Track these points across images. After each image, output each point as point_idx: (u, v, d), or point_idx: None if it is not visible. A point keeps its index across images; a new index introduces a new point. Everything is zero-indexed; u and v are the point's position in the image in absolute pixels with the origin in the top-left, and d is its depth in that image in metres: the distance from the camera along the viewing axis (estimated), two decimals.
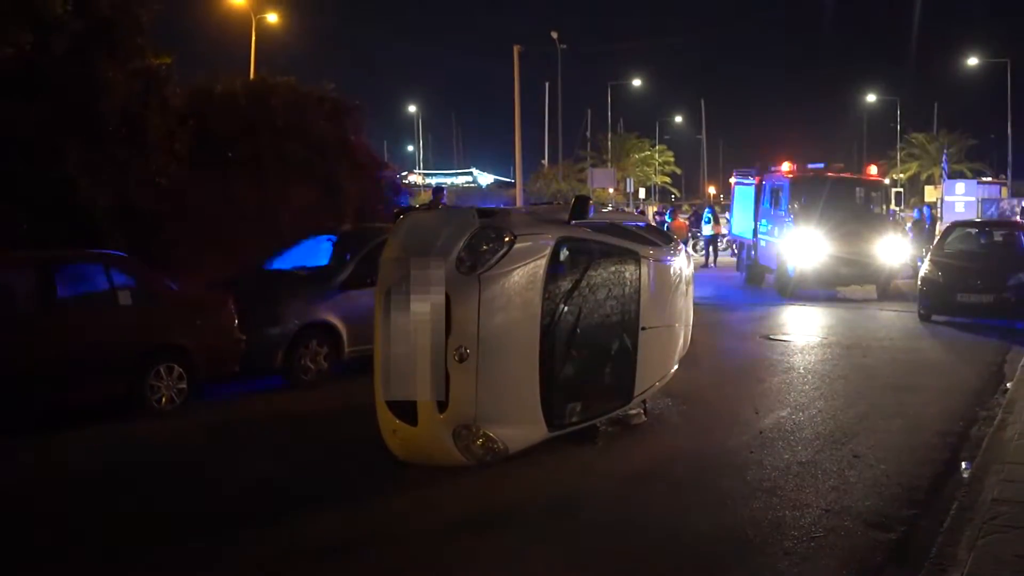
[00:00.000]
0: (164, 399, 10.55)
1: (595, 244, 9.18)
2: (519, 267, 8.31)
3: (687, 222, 38.59)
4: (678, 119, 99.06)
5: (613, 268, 9.18)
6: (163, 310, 10.84)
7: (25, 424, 9.69)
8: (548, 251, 8.55)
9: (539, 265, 8.44)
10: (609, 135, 79.60)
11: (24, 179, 14.85)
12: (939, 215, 38.90)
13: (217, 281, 13.29)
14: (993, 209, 45.17)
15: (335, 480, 8.21)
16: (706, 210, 36.69)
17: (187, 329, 10.91)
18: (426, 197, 58.67)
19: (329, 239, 14.36)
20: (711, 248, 33.74)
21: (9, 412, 9.56)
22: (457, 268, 8.15)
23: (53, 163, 15.18)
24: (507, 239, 8.35)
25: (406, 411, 8.19)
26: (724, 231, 34.64)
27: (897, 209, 25.63)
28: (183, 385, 10.72)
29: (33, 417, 9.80)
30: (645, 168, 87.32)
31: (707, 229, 34.13)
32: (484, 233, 8.41)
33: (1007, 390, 11.38)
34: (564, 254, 8.78)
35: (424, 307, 7.97)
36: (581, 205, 9.30)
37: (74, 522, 7.33)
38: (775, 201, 23.87)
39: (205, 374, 11.02)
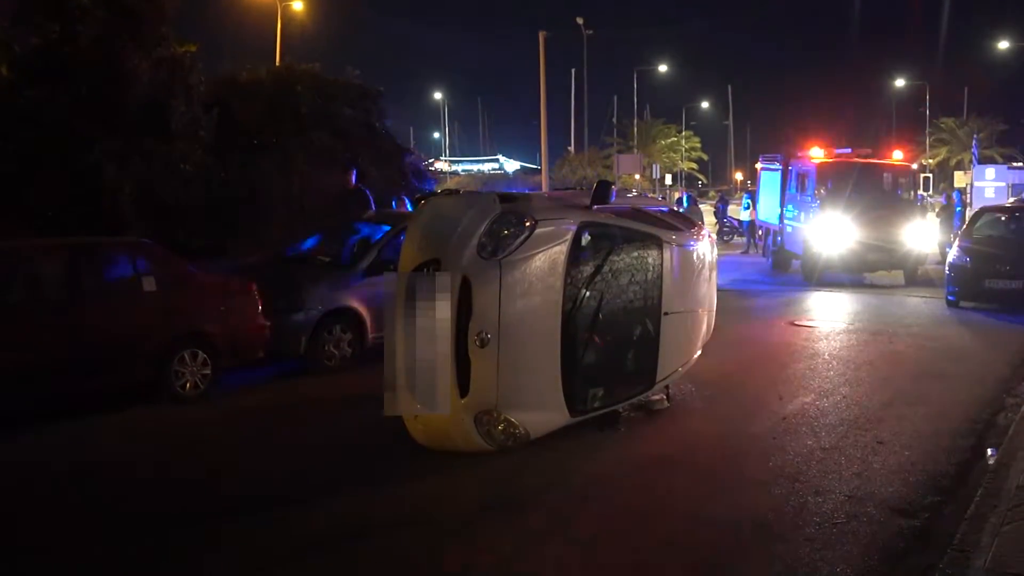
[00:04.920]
0: (188, 385, 10.59)
1: (617, 229, 9.13)
2: (540, 252, 8.29)
3: (714, 207, 38.36)
4: (704, 105, 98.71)
5: (635, 253, 9.14)
6: (187, 296, 10.86)
7: (49, 410, 9.76)
8: (570, 236, 8.52)
9: (561, 250, 8.42)
10: (635, 121, 79.30)
11: (50, 167, 14.98)
12: (969, 200, 38.49)
13: (241, 267, 13.35)
14: None
15: (356, 466, 8.22)
16: (744, 196, 36.39)
17: (211, 315, 10.95)
18: (453, 183, 58.81)
19: (353, 225, 14.39)
20: (750, 234, 32.82)
21: (34, 398, 9.64)
22: (478, 253, 8.13)
23: (78, 151, 15.31)
24: (528, 224, 8.33)
25: None
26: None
27: (926, 194, 25.38)
28: (207, 371, 10.76)
29: (57, 403, 9.87)
30: (671, 154, 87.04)
31: (745, 215, 33.62)
32: (505, 218, 8.38)
33: None
34: (586, 239, 8.75)
35: (433, 319, 7.90)
36: (603, 190, 9.26)
37: (94, 505, 7.37)
38: (801, 186, 23.73)
39: (229, 360, 11.04)
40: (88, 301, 10.01)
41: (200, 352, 10.71)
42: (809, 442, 8.75)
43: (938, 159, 79.83)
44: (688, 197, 36.61)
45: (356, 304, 12.33)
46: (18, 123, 15.10)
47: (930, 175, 43.26)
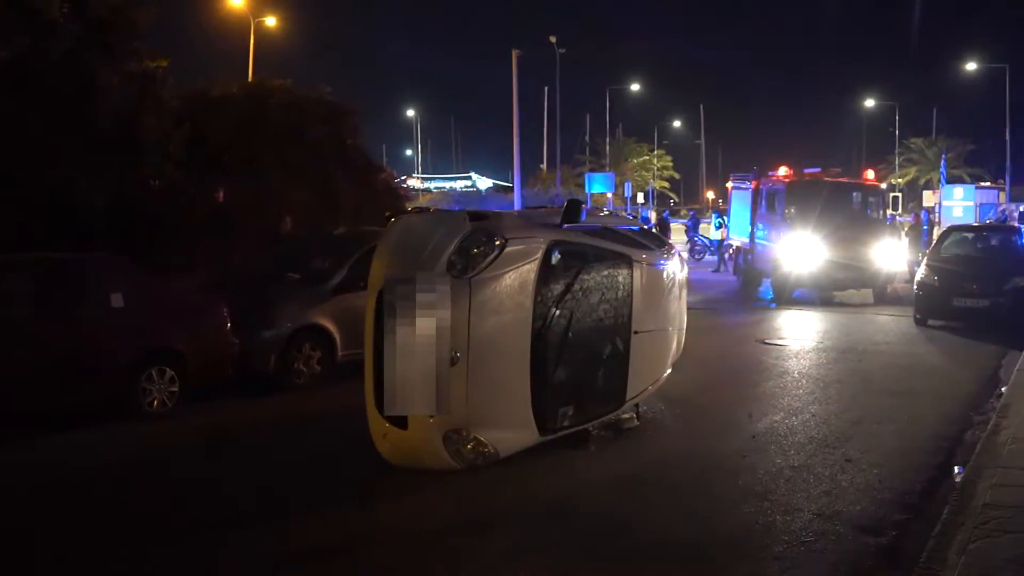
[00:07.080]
0: (156, 402, 10.52)
1: (587, 248, 9.15)
2: (510, 271, 8.29)
3: (684, 227, 38.53)
4: (677, 124, 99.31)
5: (605, 272, 9.16)
6: (156, 313, 10.78)
7: (15, 427, 9.64)
8: (540, 255, 8.52)
9: (531, 269, 8.42)
10: (608, 140, 79.62)
11: (19, 180, 14.83)
12: (937, 220, 38.86)
13: (211, 283, 13.27)
14: (993, 213, 45.13)
15: (325, 484, 8.18)
16: (713, 215, 36.56)
17: (180, 332, 10.88)
18: (424, 200, 58.81)
19: (324, 241, 14.35)
20: (721, 252, 32.39)
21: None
22: (448, 272, 8.11)
23: (48, 165, 15.17)
24: (498, 243, 8.32)
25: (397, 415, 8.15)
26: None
27: (895, 214, 25.56)
28: (175, 388, 10.69)
29: (23, 420, 9.75)
30: (644, 173, 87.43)
31: (716, 234, 33.57)
32: (475, 237, 8.37)
33: (1002, 394, 11.35)
34: (556, 258, 8.73)
35: (422, 324, 7.83)
36: (573, 209, 9.26)
37: (60, 527, 7.28)
38: (771, 205, 23.85)
39: (198, 377, 10.96)
40: (55, 317, 9.92)
41: (168, 369, 10.65)
42: (778, 460, 8.78)
43: (908, 179, 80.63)
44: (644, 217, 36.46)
45: (326, 321, 12.30)
46: None
47: (899, 194, 43.70)
